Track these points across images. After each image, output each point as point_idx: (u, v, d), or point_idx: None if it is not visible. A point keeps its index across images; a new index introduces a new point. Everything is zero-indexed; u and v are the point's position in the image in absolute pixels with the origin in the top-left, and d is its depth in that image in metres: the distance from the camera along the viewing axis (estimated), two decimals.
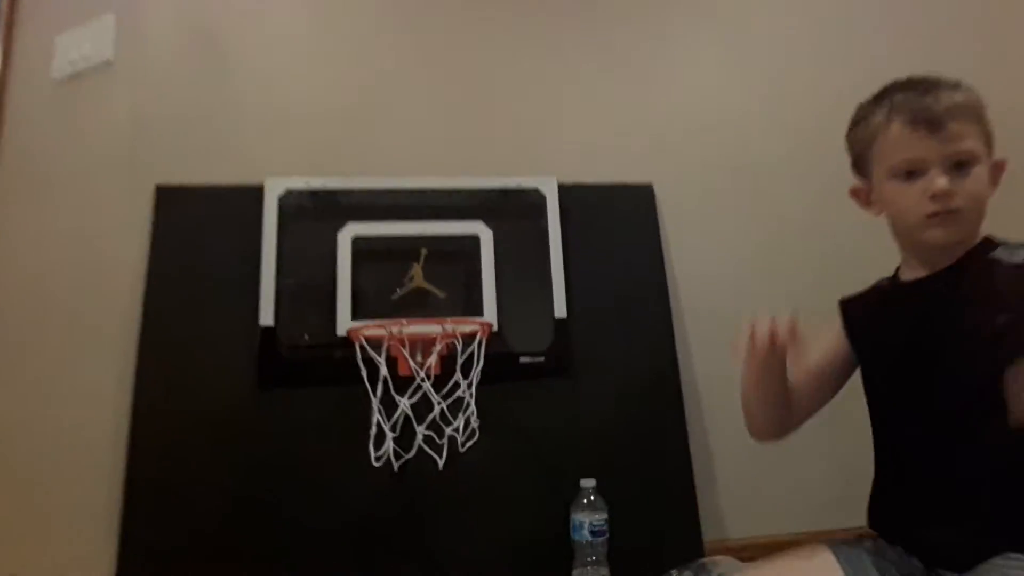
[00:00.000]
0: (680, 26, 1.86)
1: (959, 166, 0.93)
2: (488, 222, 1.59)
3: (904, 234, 1.00)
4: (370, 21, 1.79)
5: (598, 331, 1.56)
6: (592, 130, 1.76)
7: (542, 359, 1.52)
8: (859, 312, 1.09)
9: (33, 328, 1.66)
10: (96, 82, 1.75)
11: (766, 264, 1.70)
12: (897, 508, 0.98)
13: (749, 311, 0.96)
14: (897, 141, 0.95)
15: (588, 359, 1.53)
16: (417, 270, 1.56)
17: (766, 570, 1.02)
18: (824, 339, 1.08)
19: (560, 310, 1.55)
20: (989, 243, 0.97)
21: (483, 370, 1.44)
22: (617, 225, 1.66)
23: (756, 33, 1.89)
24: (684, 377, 1.57)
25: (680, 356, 1.58)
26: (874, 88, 1.01)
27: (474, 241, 1.57)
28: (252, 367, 1.48)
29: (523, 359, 1.51)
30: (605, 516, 1.36)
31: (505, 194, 1.64)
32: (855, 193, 1.05)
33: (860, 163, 1.03)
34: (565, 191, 1.64)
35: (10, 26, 1.90)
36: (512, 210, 1.63)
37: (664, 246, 1.66)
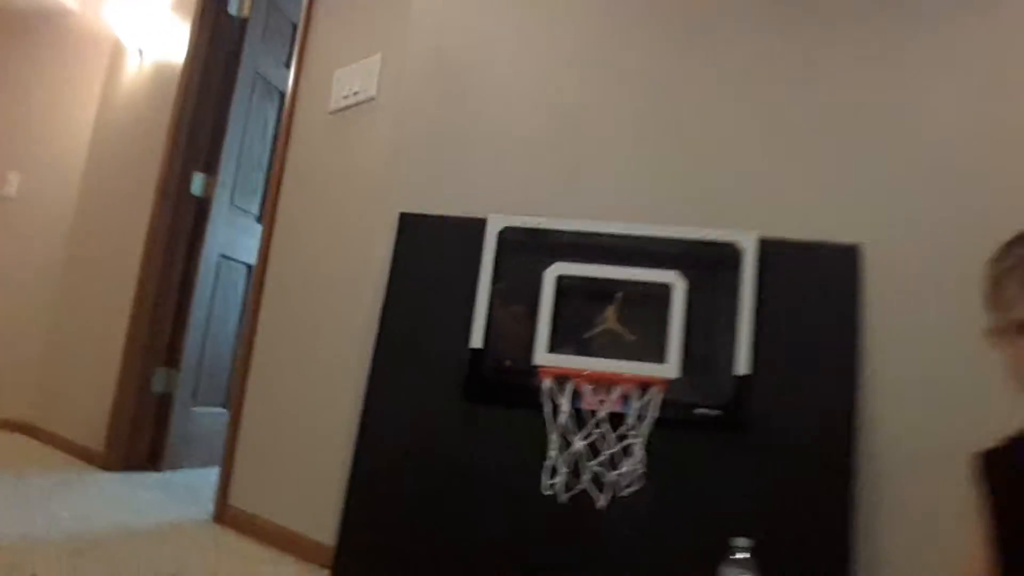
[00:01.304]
0: (913, 75, 1.74)
1: None
2: (684, 271, 1.66)
3: None
4: (593, 73, 1.91)
5: (779, 392, 1.58)
6: (800, 183, 1.74)
7: (718, 413, 1.59)
8: (998, 464, 1.04)
9: (299, 308, 2.07)
10: (361, 115, 2.07)
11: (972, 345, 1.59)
12: None
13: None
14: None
15: (764, 419, 1.57)
16: (611, 312, 1.69)
17: None
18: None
19: (743, 366, 1.60)
20: None
21: (658, 418, 1.55)
22: (815, 285, 1.65)
23: (1004, 81, 1.71)
24: (865, 450, 1.55)
25: (864, 426, 1.56)
26: None
27: (667, 289, 1.65)
28: (461, 381, 1.72)
29: (698, 411, 1.59)
30: None
31: (704, 245, 1.69)
32: (991, 333, 1.01)
33: (994, 304, 1.00)
34: (765, 246, 1.66)
35: (301, 61, 2.29)
36: (708, 262, 1.68)
37: (867, 311, 1.62)
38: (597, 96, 1.88)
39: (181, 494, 2.48)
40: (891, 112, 1.73)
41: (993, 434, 1.03)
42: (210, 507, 2.21)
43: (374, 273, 1.88)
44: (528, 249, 1.77)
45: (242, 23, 3.16)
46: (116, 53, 3.73)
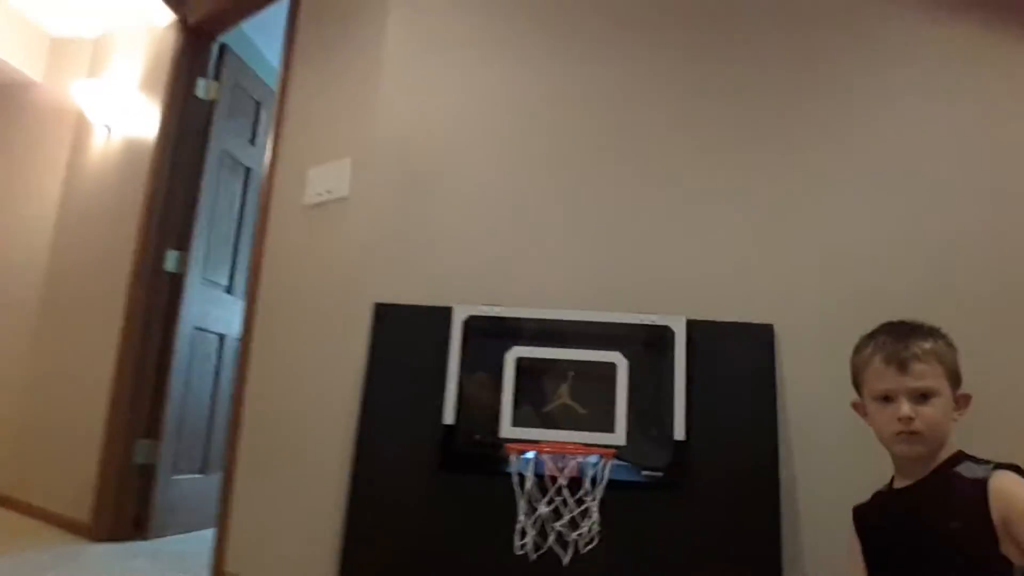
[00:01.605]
0: (813, 168, 2.07)
1: (922, 397, 1.24)
2: (624, 352, 1.93)
3: (885, 447, 1.31)
4: (540, 176, 2.19)
5: (711, 454, 1.86)
6: (721, 270, 2.04)
7: (660, 475, 1.86)
8: (864, 515, 1.36)
9: (284, 382, 2.28)
10: (335, 211, 2.30)
11: None
12: None
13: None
14: (876, 374, 1.30)
15: (700, 478, 1.84)
16: (564, 389, 1.95)
17: None
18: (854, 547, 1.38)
19: (680, 433, 1.87)
20: (957, 458, 1.23)
21: (609, 481, 1.81)
22: (737, 360, 1.94)
23: (892, 169, 2.04)
24: (785, 501, 1.83)
25: (783, 482, 1.84)
26: None
27: (612, 368, 1.92)
28: (437, 454, 1.95)
29: (644, 473, 1.86)
30: None
31: (641, 328, 1.97)
32: (855, 406, 1.39)
33: (857, 383, 1.38)
34: (692, 326, 1.94)
35: (274, 160, 2.52)
36: (645, 343, 1.96)
37: (780, 382, 1.92)
38: (545, 195, 2.16)
39: (173, 561, 2.63)
40: (797, 202, 2.05)
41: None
42: (204, 574, 2.37)
43: (353, 355, 2.10)
44: (490, 334, 2.02)
45: (209, 104, 3.36)
46: (80, 126, 3.88)
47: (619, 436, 1.87)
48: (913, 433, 1.23)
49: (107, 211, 3.47)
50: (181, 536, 3.07)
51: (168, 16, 3.38)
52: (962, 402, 1.30)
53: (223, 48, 3.43)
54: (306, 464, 2.16)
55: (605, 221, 2.12)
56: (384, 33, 2.33)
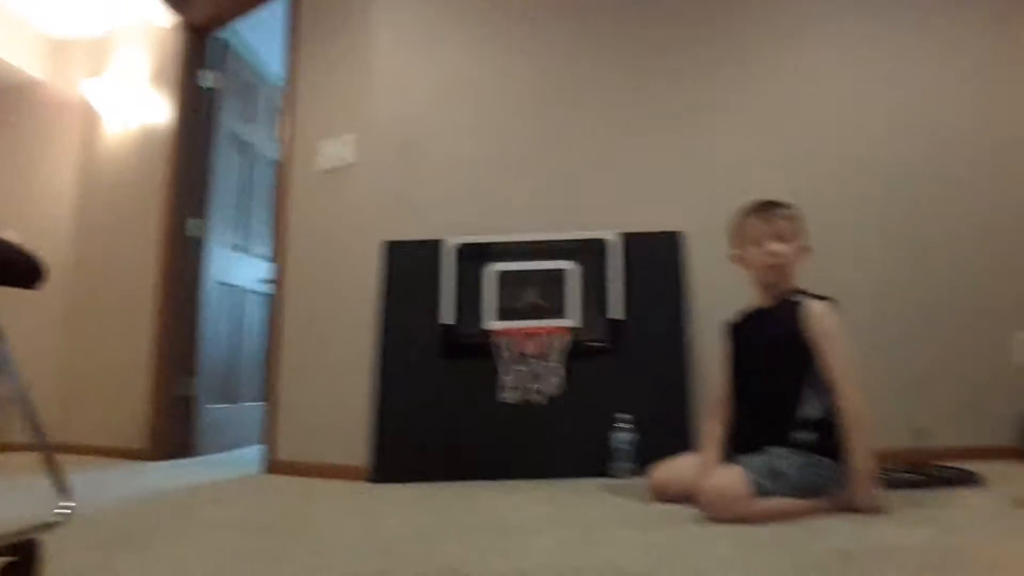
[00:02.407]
0: (713, 103, 2.80)
1: (781, 241, 1.92)
2: (575, 260, 2.64)
3: (756, 278, 1.98)
4: (505, 133, 2.87)
5: (640, 328, 2.58)
6: (645, 192, 2.76)
7: (604, 344, 2.58)
8: (733, 326, 2.06)
9: (315, 314, 2.93)
10: (345, 174, 2.94)
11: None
12: (738, 429, 1.96)
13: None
14: (752, 226, 1.96)
15: (632, 345, 2.57)
16: (532, 290, 2.64)
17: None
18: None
19: (617, 314, 2.59)
20: (796, 291, 1.93)
21: (568, 351, 2.52)
22: (656, 260, 2.66)
23: (780, 105, 2.79)
24: (691, 356, 2.57)
25: (690, 341, 2.58)
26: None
27: (566, 273, 2.62)
28: (438, 345, 2.64)
29: (592, 344, 2.58)
30: (631, 435, 2.42)
31: (586, 242, 2.67)
32: (734, 258, 2.03)
33: (736, 240, 2.01)
34: (625, 238, 2.66)
35: (291, 134, 3.14)
36: (590, 252, 2.66)
37: (688, 272, 2.65)
38: (508, 148, 2.85)
39: (223, 469, 3.26)
40: (707, 139, 2.78)
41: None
42: (253, 469, 3.02)
43: (369, 281, 2.76)
44: (475, 256, 2.70)
45: (212, 92, 3.93)
46: (88, 120, 4.39)
47: (574, 319, 2.58)
48: (775, 265, 1.92)
49: (129, 189, 4.03)
50: (218, 455, 3.71)
51: (170, 16, 3.92)
52: (805, 252, 1.97)
53: (221, 43, 4.00)
54: (339, 363, 2.82)
55: (556, 163, 2.83)
56: (375, 28, 2.97)
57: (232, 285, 4.00)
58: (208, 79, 3.92)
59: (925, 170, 2.76)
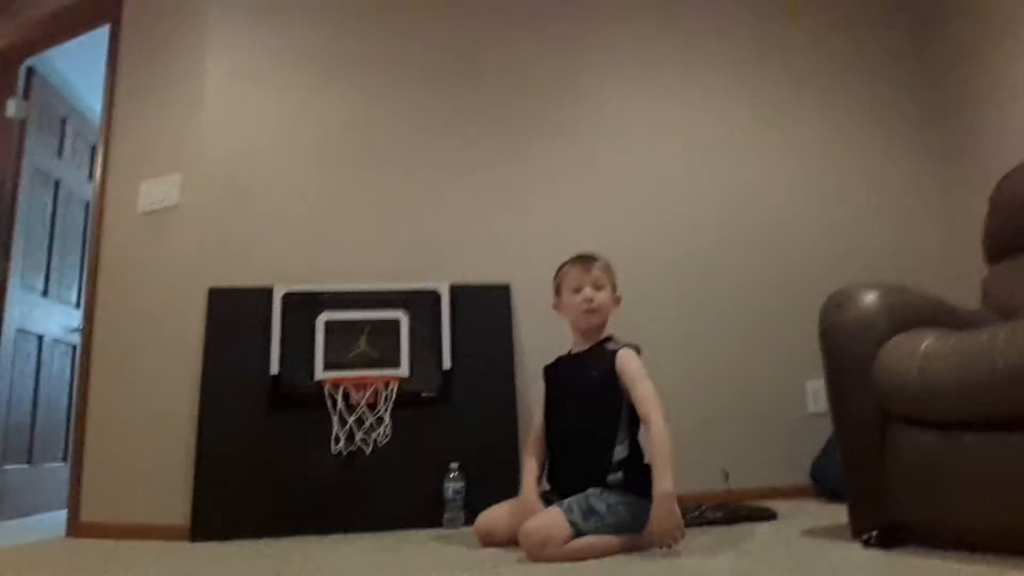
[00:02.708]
0: (540, 162, 2.97)
1: (597, 289, 2.06)
2: (406, 310, 2.67)
3: (573, 324, 2.12)
4: (336, 174, 2.88)
5: (469, 379, 2.65)
6: (474, 246, 2.86)
7: (433, 394, 2.62)
8: (550, 369, 2.18)
9: (130, 363, 2.76)
10: (168, 217, 2.82)
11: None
12: (557, 468, 2.07)
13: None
14: (571, 276, 2.10)
15: (461, 395, 2.63)
16: (362, 340, 2.64)
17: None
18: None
19: (447, 364, 2.64)
20: (608, 338, 2.09)
21: (396, 400, 2.54)
22: (485, 311, 2.75)
23: (602, 157, 3.01)
24: (520, 404, 2.67)
25: (519, 389, 2.68)
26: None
27: (397, 322, 2.65)
28: (266, 396, 2.57)
29: (423, 394, 2.61)
30: (462, 484, 2.47)
31: (417, 292, 2.71)
32: (555, 307, 2.17)
33: (558, 290, 2.15)
34: (454, 289, 2.73)
35: (104, 175, 2.98)
36: (421, 302, 2.71)
37: (515, 324, 2.76)
38: (340, 196, 2.88)
39: (25, 532, 2.95)
40: (532, 189, 2.92)
41: None
42: (57, 533, 2.75)
43: (193, 331, 2.65)
44: (305, 304, 2.66)
45: (20, 123, 3.64)
46: None
47: (404, 369, 2.60)
48: (591, 310, 2.05)
49: None
50: (17, 521, 3.35)
51: None
52: (617, 301, 2.13)
53: (30, 70, 3.72)
54: (158, 417, 2.65)
55: (390, 213, 2.87)
56: (203, 64, 2.89)
57: (36, 334, 3.66)
58: (11, 108, 3.63)
59: (730, 236, 3.09)
